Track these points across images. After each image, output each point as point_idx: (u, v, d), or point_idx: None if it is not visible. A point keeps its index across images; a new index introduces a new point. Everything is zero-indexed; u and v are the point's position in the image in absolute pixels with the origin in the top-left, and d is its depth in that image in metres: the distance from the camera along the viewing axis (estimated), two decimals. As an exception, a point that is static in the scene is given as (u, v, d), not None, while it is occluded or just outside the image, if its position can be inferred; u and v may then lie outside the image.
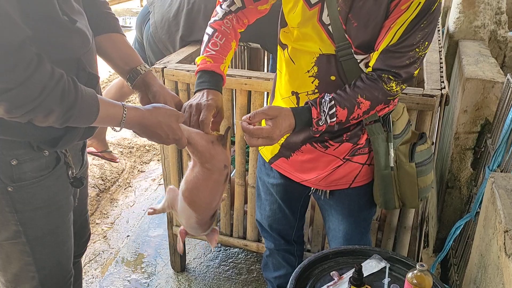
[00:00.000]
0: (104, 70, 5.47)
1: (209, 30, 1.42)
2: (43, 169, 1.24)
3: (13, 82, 0.95)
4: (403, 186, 1.49)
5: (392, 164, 1.45)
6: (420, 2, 1.19)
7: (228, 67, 1.42)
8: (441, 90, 1.67)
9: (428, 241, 2.49)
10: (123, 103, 1.15)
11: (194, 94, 1.33)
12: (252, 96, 1.93)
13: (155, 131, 1.17)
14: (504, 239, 1.12)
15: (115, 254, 2.61)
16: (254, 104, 1.93)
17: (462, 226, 1.94)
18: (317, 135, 1.34)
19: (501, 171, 1.74)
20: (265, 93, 1.99)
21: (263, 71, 3.28)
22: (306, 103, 1.30)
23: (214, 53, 1.37)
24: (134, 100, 4.41)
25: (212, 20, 1.44)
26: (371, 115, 1.38)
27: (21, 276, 1.34)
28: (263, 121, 1.30)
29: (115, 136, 3.77)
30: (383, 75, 1.26)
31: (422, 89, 1.68)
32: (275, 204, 1.71)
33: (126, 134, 3.95)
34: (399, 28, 1.22)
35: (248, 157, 2.05)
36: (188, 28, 2.38)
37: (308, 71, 1.37)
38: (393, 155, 1.44)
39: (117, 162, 3.39)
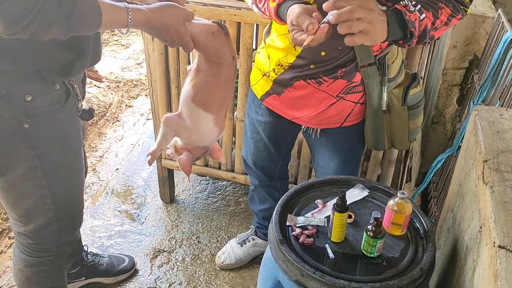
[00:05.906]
0: None
1: None
2: (56, 103, 1.26)
3: None
4: (394, 128, 1.51)
5: (384, 108, 1.45)
6: None
7: None
8: (431, 24, 1.65)
9: (411, 175, 2.56)
10: (126, 5, 1.08)
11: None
12: (241, 28, 1.89)
13: (162, 33, 1.12)
14: (483, 168, 1.16)
15: (105, 186, 2.65)
16: (244, 37, 1.89)
17: (443, 159, 1.99)
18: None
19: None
20: (255, 24, 1.95)
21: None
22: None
23: None
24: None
25: None
26: (369, 57, 1.35)
27: (35, 210, 1.39)
28: None
29: (101, 70, 3.71)
30: None
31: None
32: (260, 142, 1.73)
33: (113, 68, 3.88)
34: None
35: (237, 91, 2.05)
36: None
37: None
38: (386, 98, 1.44)
39: (102, 81, 3.50)
